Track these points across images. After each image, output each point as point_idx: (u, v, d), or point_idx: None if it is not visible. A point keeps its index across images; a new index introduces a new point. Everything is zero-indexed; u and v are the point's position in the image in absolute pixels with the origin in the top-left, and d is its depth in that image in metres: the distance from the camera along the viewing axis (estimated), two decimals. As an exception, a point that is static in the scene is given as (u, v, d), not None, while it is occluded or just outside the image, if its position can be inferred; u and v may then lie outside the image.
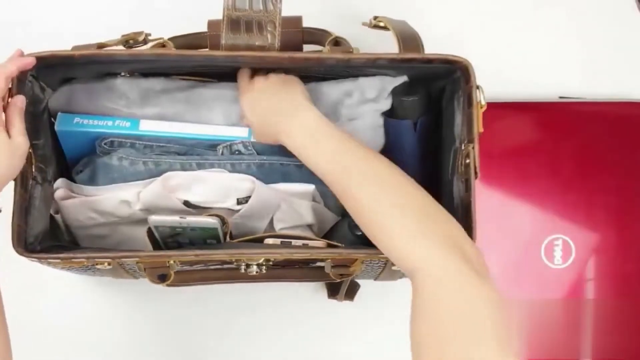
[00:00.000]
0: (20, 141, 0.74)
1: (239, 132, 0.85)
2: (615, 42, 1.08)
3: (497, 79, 1.02)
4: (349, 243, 0.84)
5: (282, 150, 0.83)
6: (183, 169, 0.84)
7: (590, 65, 1.08)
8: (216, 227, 0.82)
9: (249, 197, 0.85)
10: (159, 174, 0.84)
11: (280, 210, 0.86)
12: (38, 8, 1.06)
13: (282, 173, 0.86)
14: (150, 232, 0.84)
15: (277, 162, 0.85)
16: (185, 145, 0.85)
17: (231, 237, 0.86)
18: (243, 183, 0.84)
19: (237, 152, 0.85)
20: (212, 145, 0.85)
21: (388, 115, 0.87)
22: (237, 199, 0.86)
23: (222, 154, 0.85)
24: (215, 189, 0.84)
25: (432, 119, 0.88)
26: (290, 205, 0.86)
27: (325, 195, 0.87)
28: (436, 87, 0.86)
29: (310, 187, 0.85)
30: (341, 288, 0.96)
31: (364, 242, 0.78)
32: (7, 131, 0.73)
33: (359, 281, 1.00)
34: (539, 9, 1.09)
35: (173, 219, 0.82)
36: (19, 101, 0.75)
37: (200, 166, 0.84)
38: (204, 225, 0.82)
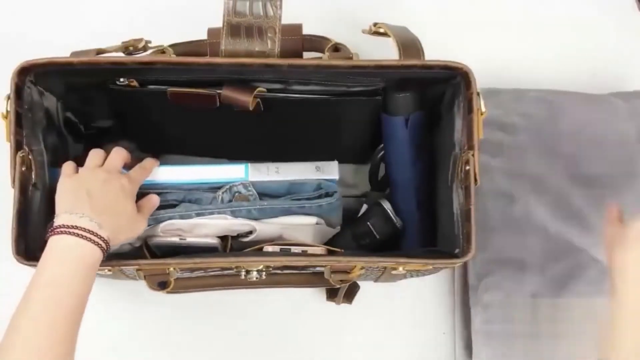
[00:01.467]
0: (143, 225, 0.80)
1: (237, 173, 0.85)
2: (615, 41, 1.08)
3: (496, 80, 1.02)
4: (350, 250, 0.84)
5: (285, 191, 0.85)
6: (182, 219, 0.84)
7: (590, 65, 1.08)
8: (216, 246, 0.83)
9: (250, 232, 0.85)
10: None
11: (280, 239, 0.87)
12: (39, 14, 1.06)
13: (284, 210, 0.86)
14: (147, 245, 0.85)
15: (278, 206, 0.85)
16: (182, 190, 0.85)
17: (232, 247, 0.87)
18: (244, 227, 0.85)
19: (237, 194, 0.85)
20: (211, 188, 0.86)
21: (383, 109, 0.88)
22: (238, 234, 0.87)
23: (222, 200, 0.85)
24: (217, 231, 0.85)
25: (425, 116, 0.88)
26: (289, 233, 0.87)
27: (327, 214, 0.87)
28: (435, 91, 0.85)
29: (312, 220, 0.85)
30: (339, 291, 0.96)
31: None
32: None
33: (359, 282, 1.00)
34: (538, 9, 1.09)
35: (173, 240, 0.83)
36: (156, 200, 0.83)
37: (199, 216, 0.84)
38: (204, 245, 0.83)
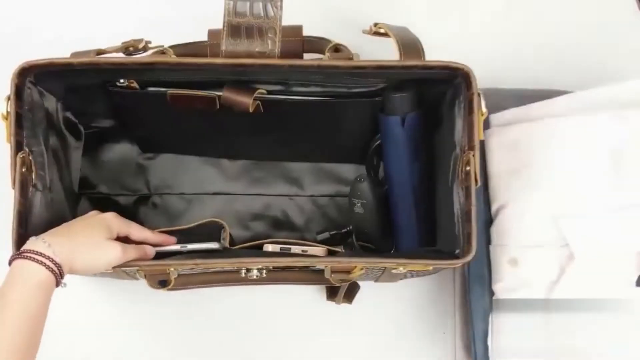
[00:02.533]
0: (111, 254, 0.77)
1: None
2: (615, 41, 1.08)
3: (497, 81, 1.02)
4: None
5: None
6: None
7: (590, 65, 1.08)
8: (218, 249, 0.83)
9: None
10: None
11: None
12: (40, 14, 1.06)
13: None
14: None
15: None
16: None
17: (232, 241, 0.87)
18: None
19: None
20: None
21: (380, 109, 0.88)
22: None
23: None
24: None
25: (422, 117, 0.88)
26: None
27: None
28: (435, 92, 0.85)
29: None
30: (339, 290, 0.96)
31: None
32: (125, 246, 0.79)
33: (360, 282, 1.00)
34: (538, 9, 1.09)
35: (174, 248, 0.83)
36: (150, 252, 0.82)
37: None
38: (205, 249, 0.83)
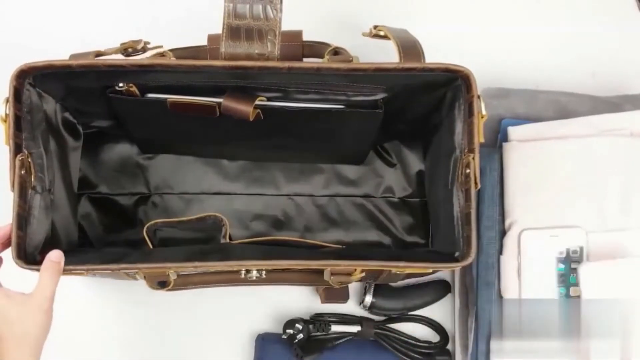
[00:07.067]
0: (36, 317, 0.72)
1: None
2: (615, 42, 1.08)
3: (497, 81, 1.02)
4: None
5: None
6: None
7: (589, 65, 1.07)
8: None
9: None
10: None
11: None
12: (40, 17, 1.06)
13: None
14: (148, 235, 0.85)
15: None
16: None
17: (231, 238, 0.87)
18: None
19: None
20: None
21: None
22: None
23: None
24: None
25: None
26: None
27: None
28: (435, 95, 0.85)
29: None
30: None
31: None
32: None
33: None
34: (538, 9, 1.09)
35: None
36: (56, 258, 0.75)
37: None
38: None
